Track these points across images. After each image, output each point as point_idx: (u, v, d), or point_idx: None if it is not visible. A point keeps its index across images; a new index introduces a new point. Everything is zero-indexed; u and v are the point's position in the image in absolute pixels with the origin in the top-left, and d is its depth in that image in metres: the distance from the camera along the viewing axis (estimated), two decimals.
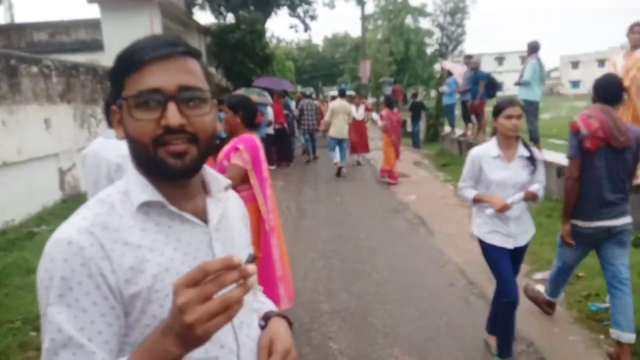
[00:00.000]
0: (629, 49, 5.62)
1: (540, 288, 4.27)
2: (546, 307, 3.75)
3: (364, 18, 21.20)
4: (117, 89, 0.89)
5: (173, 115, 0.83)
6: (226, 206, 1.01)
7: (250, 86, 13.55)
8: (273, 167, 10.87)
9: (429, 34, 38.87)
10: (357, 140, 11.66)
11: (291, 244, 4.78)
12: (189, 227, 0.91)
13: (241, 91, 11.11)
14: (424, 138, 15.24)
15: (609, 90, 3.12)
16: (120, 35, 11.32)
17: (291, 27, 21.71)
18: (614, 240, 3.17)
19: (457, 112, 12.38)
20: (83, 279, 0.79)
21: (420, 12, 38.79)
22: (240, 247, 1.01)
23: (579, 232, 3.25)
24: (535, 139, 8.41)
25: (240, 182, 3.30)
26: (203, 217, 0.95)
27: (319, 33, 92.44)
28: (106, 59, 11.76)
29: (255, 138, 3.45)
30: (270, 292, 3.49)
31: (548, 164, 7.33)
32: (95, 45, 13.54)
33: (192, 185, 0.94)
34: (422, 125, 15.25)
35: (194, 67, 0.89)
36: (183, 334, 0.69)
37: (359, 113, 11.75)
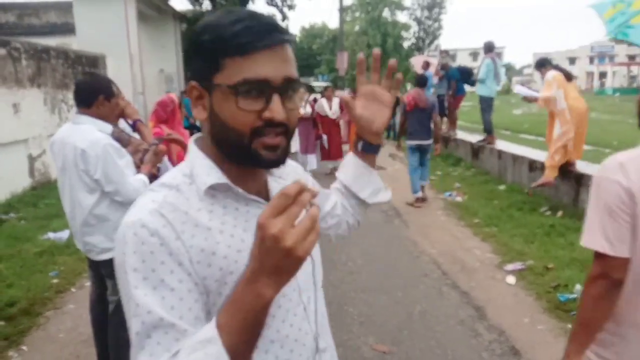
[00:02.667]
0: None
1: (511, 280, 4.39)
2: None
3: (342, 9, 21.16)
4: (209, 66, 0.82)
5: (279, 110, 0.81)
6: (288, 178, 1.02)
7: None
8: None
9: (406, 27, 39.13)
10: (330, 144, 9.51)
11: None
12: (254, 207, 0.91)
13: None
14: (399, 131, 15.35)
15: (419, 81, 7.35)
16: (93, 19, 11.06)
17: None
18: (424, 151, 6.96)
19: None
20: (165, 259, 0.78)
21: (398, 5, 38.98)
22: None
23: (412, 146, 7.12)
24: (488, 130, 9.10)
25: None
26: (265, 195, 0.95)
27: (297, 23, 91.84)
28: (78, 43, 11.45)
29: None
30: None
31: (520, 158, 7.51)
32: (67, 29, 13.18)
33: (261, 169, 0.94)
34: (398, 118, 15.37)
35: (292, 55, 0.86)
36: (279, 266, 0.69)
37: (332, 110, 9.45)
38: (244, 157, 0.86)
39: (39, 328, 3.68)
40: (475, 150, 9.52)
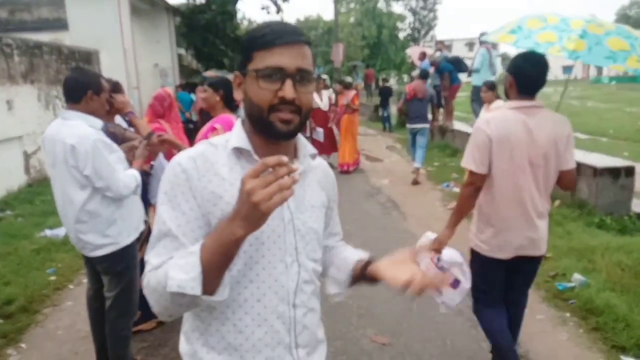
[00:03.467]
0: None
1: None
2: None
3: (337, 1, 21.04)
4: (245, 59, 1.10)
5: (289, 90, 1.04)
6: (308, 169, 1.21)
7: (222, 68, 13.29)
8: None
9: (401, 18, 38.97)
10: (324, 137, 9.27)
11: None
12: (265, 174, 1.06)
13: (212, 72, 10.94)
14: (396, 122, 15.34)
15: (421, 74, 8.08)
16: (86, 14, 10.96)
17: (263, 8, 21.29)
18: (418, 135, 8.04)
19: None
20: (185, 189, 1.07)
21: None
22: (309, 205, 1.21)
23: (410, 129, 8.19)
24: None
25: None
26: None
27: (292, 15, 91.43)
28: (71, 39, 11.36)
29: (233, 118, 3.39)
30: None
31: None
32: (59, 24, 13.07)
33: (284, 147, 1.14)
34: (394, 109, 15.34)
35: (308, 53, 1.10)
36: (248, 215, 0.90)
37: (323, 102, 9.28)
38: (263, 128, 1.10)
39: (37, 325, 3.67)
40: None
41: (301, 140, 1.22)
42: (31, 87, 7.80)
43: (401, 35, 38.43)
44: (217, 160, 1.11)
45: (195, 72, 17.61)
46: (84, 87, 2.56)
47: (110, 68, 10.94)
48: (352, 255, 1.38)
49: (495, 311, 2.80)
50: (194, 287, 0.95)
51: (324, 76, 11.33)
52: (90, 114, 2.58)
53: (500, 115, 2.47)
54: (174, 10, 16.23)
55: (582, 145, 6.60)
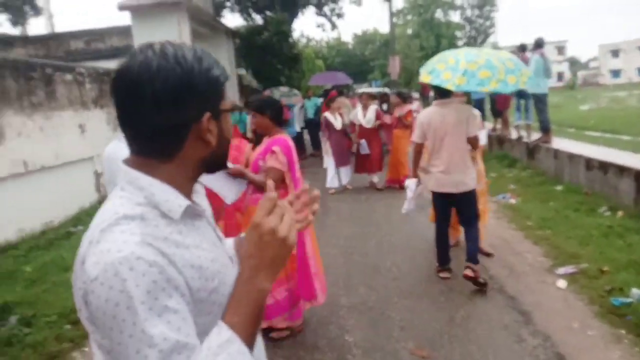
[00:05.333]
0: None
1: (562, 284, 4.24)
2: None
3: (392, 14, 21.07)
4: (217, 98, 0.96)
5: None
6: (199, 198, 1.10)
7: (278, 85, 13.69)
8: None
9: (460, 27, 38.38)
10: (363, 155, 8.79)
11: None
12: (199, 221, 1.00)
13: (268, 92, 11.35)
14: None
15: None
16: (150, 40, 11.69)
17: (318, 26, 21.85)
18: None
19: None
20: (165, 285, 0.82)
21: (451, 5, 38.31)
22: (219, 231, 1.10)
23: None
24: (545, 129, 8.75)
25: (279, 184, 3.41)
26: None
27: (349, 30, 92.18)
28: None
29: (287, 139, 3.53)
30: (307, 287, 3.60)
31: (576, 157, 7.20)
32: (128, 51, 14.00)
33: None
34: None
35: None
36: (276, 257, 0.87)
37: (366, 118, 8.69)
38: (223, 163, 1.04)
39: None
40: (531, 151, 9.19)
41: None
42: (100, 111, 8.45)
43: (458, 44, 37.76)
44: (163, 231, 0.88)
45: (256, 91, 18.21)
46: None
47: None
48: None
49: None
50: None
51: (386, 89, 11.29)
52: None
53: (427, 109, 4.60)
54: (233, 33, 16.95)
55: None
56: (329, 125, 8.86)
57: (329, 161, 8.90)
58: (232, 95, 16.00)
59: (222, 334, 0.83)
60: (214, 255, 0.96)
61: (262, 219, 0.86)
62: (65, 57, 14.98)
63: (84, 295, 0.83)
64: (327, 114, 8.95)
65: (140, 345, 0.79)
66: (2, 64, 6.21)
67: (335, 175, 8.78)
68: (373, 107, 8.81)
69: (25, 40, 16.96)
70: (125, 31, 14.45)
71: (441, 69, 4.24)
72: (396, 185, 8.56)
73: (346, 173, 8.93)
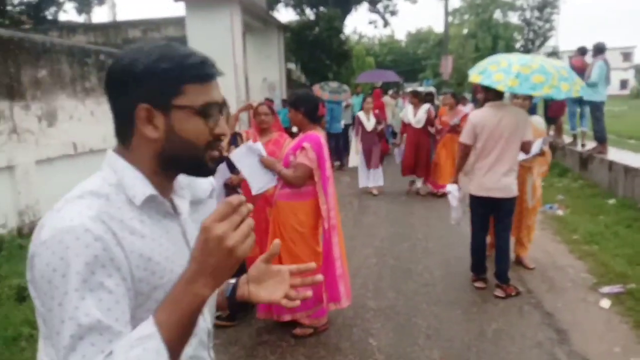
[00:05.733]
0: None
1: (606, 304, 3.98)
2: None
3: (447, 13, 20.61)
4: (170, 91, 0.92)
5: (224, 126, 0.99)
6: (184, 199, 1.08)
7: (326, 81, 13.62)
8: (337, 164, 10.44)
9: (519, 29, 37.04)
10: (412, 157, 8.25)
11: (348, 239, 4.80)
12: (169, 220, 1.01)
13: (317, 86, 11.27)
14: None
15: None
16: (203, 31, 11.91)
17: (370, 22, 21.51)
18: None
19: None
20: (106, 263, 0.82)
21: (511, 6, 37.05)
22: None
23: None
24: (601, 138, 8.26)
25: (306, 180, 3.39)
26: (172, 209, 1.03)
27: (403, 28, 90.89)
28: None
29: (320, 135, 3.50)
30: (331, 289, 3.55)
31: (633, 170, 6.77)
32: (182, 42, 14.34)
33: (174, 183, 1.05)
34: None
35: None
36: (219, 266, 0.79)
37: (416, 117, 8.17)
38: (194, 168, 1.00)
39: None
40: (584, 160, 8.74)
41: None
42: None
43: (515, 47, 36.47)
44: (122, 214, 0.89)
45: (304, 86, 18.27)
46: None
47: (221, 82, 11.74)
48: None
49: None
50: None
51: (432, 88, 10.83)
52: None
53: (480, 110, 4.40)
54: (284, 28, 17.04)
55: None
56: (360, 125, 8.51)
57: (359, 161, 8.49)
58: (279, 88, 16.09)
59: (146, 328, 0.78)
60: (170, 255, 0.96)
61: (212, 224, 0.78)
62: (123, 45, 15.54)
63: (31, 257, 0.85)
64: (360, 114, 8.60)
65: (64, 315, 0.79)
66: (58, 49, 6.47)
67: (367, 175, 8.41)
68: (425, 107, 8.25)
69: (86, 27, 17.70)
70: (180, 22, 14.81)
71: (493, 70, 4.18)
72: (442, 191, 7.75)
73: (375, 176, 8.46)
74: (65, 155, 6.48)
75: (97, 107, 7.08)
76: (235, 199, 0.80)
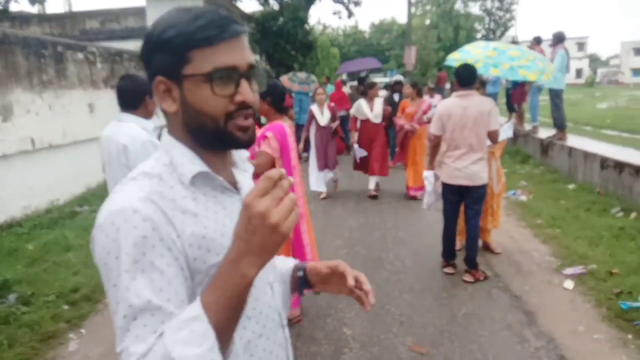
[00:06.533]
0: None
1: (569, 285, 4.12)
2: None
3: (410, 4, 20.77)
4: (176, 61, 0.88)
5: (248, 93, 0.89)
6: (248, 175, 1.08)
7: (291, 71, 13.52)
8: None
9: (480, 19, 37.74)
10: (372, 156, 7.40)
11: (318, 231, 4.80)
12: (227, 196, 0.97)
13: (285, 77, 11.12)
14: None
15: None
16: None
17: (334, 13, 21.44)
18: None
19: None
20: (155, 243, 0.81)
21: None
22: None
23: None
24: (560, 125, 8.53)
25: (268, 169, 3.35)
26: (234, 186, 1.00)
27: (366, 19, 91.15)
28: None
29: (284, 125, 3.47)
30: None
31: (591, 155, 7.02)
32: (143, 33, 13.93)
33: (228, 156, 1.01)
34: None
35: (248, 44, 0.93)
36: (264, 243, 0.75)
37: (374, 112, 7.34)
38: (220, 141, 0.92)
39: (98, 313, 3.94)
40: (545, 147, 9.01)
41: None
42: (111, 91, 8.38)
43: (477, 37, 37.16)
44: (175, 193, 0.89)
45: (268, 76, 18.10)
46: (142, 93, 2.75)
47: None
48: (283, 266, 1.22)
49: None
50: (214, 359, 0.76)
51: (399, 77, 9.83)
52: (146, 117, 2.77)
53: (447, 100, 4.47)
54: (247, 18, 16.81)
55: None
56: (313, 119, 7.40)
57: (310, 160, 7.52)
58: None
59: (193, 310, 0.76)
60: (227, 231, 0.90)
61: (253, 200, 0.75)
62: (80, 36, 15.00)
63: (92, 241, 0.86)
64: (313, 107, 7.43)
65: (119, 296, 0.79)
66: (12, 40, 6.18)
67: (320, 177, 7.40)
68: (380, 100, 7.58)
69: (41, 18, 16.99)
70: (140, 12, 14.43)
71: (471, 49, 4.53)
72: (413, 194, 7.30)
73: (326, 177, 7.52)
74: (22, 151, 6.21)
75: (55, 101, 6.81)
76: (275, 172, 0.76)
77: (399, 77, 9.64)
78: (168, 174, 0.90)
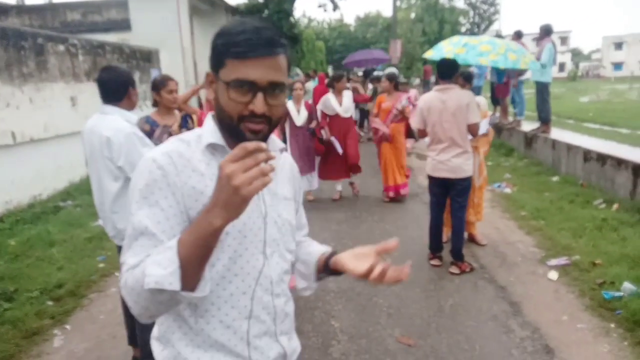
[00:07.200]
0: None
1: (554, 275, 4.18)
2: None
3: None
4: (218, 63, 1.07)
5: (260, 105, 1.04)
6: (278, 165, 1.23)
7: None
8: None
9: (464, 13, 37.96)
10: (346, 150, 6.82)
11: None
12: None
13: None
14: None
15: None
16: (148, 14, 11.48)
17: (320, 6, 21.32)
18: None
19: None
20: (163, 186, 1.05)
21: None
22: (282, 197, 1.24)
23: None
24: (545, 119, 8.59)
25: None
26: None
27: (352, 12, 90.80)
28: (134, 38, 11.92)
29: None
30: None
31: (574, 148, 7.11)
32: (126, 25, 13.71)
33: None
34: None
35: (283, 63, 1.08)
36: (228, 202, 0.88)
37: (343, 106, 6.82)
38: (234, 135, 1.09)
39: (83, 309, 3.90)
40: (529, 140, 9.11)
41: (270, 136, 1.18)
42: (93, 84, 8.24)
43: (461, 30, 37.36)
44: (192, 156, 1.10)
45: None
46: (125, 84, 2.71)
47: (169, 66, 11.40)
48: (316, 250, 1.40)
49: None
50: (172, 282, 0.92)
51: (394, 69, 9.47)
52: (129, 109, 2.73)
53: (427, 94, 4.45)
54: (232, 10, 16.65)
55: None
56: (289, 118, 6.65)
57: None
58: None
59: (171, 242, 0.96)
60: None
61: (224, 163, 0.88)
62: (61, 28, 14.70)
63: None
64: (289, 104, 6.62)
65: (131, 218, 1.05)
66: None
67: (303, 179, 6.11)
68: (349, 93, 7.04)
69: (20, 9, 16.59)
70: (123, 4, 14.16)
71: (443, 45, 4.71)
72: (394, 194, 6.83)
73: (309, 181, 6.89)
74: (3, 145, 6.10)
75: (36, 94, 6.68)
76: (251, 144, 0.88)
77: (392, 69, 9.60)
78: (195, 141, 1.13)
